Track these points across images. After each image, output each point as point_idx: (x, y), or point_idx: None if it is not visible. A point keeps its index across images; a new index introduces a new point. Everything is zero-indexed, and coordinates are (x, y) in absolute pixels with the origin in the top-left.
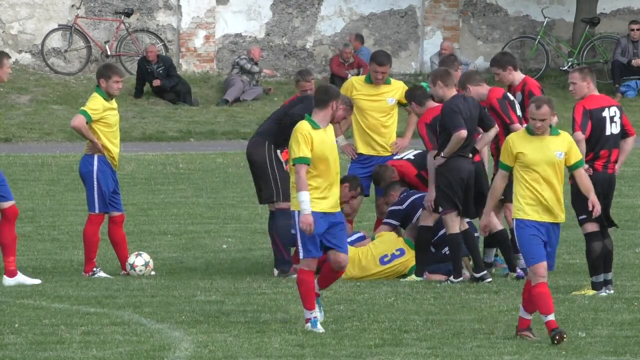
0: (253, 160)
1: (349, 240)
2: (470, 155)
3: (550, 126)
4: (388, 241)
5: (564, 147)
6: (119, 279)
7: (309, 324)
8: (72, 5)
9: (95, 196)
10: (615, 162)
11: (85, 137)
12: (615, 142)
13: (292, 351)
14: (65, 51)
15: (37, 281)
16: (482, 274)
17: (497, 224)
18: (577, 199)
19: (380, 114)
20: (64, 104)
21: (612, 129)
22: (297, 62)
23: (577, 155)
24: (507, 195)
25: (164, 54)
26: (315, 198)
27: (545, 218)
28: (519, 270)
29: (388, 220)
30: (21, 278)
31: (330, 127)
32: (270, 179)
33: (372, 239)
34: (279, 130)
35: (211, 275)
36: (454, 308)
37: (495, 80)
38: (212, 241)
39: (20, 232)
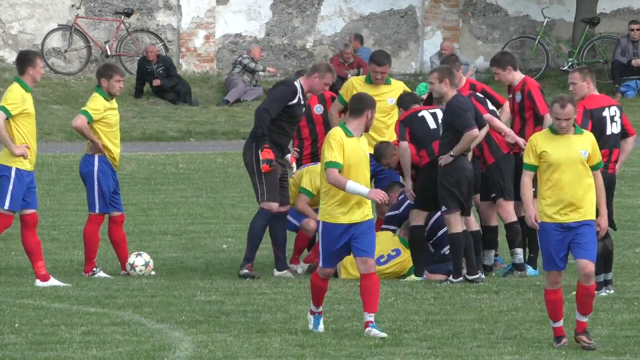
0: (244, 161)
1: None
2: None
3: (574, 125)
4: (384, 242)
5: (588, 146)
6: (119, 279)
7: (311, 317)
8: (72, 5)
9: (96, 196)
10: (616, 162)
11: (87, 137)
12: (616, 142)
13: (292, 351)
14: (65, 51)
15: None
16: (474, 277)
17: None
18: None
19: (381, 114)
20: (64, 104)
21: (613, 128)
22: (297, 62)
23: (599, 155)
24: (498, 192)
25: (164, 54)
26: (337, 210)
27: (568, 218)
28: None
29: (386, 227)
30: (54, 282)
31: (364, 138)
32: (256, 179)
33: None
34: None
35: (211, 275)
36: (454, 308)
37: (495, 80)
38: (212, 241)
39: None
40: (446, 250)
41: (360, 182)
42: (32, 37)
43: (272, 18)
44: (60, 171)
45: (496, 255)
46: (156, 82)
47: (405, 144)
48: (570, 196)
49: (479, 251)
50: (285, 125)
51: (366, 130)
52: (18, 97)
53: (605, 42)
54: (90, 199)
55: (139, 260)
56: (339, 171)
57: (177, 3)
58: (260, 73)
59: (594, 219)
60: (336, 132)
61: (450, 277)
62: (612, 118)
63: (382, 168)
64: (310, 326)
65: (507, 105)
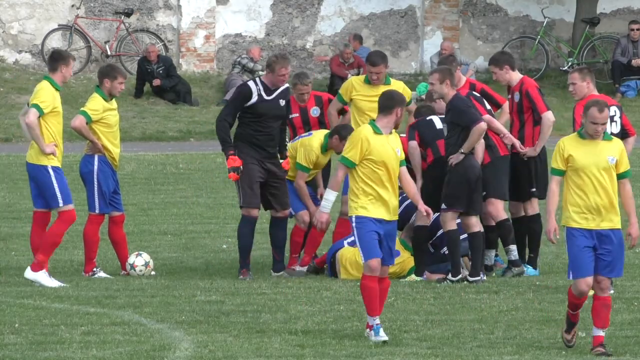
0: None
1: (348, 240)
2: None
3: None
4: None
5: (616, 152)
6: (119, 279)
7: (371, 332)
8: (72, 5)
9: (96, 196)
10: None
11: (86, 138)
12: None
13: (292, 351)
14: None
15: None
16: (476, 279)
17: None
18: None
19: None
20: (64, 104)
21: (612, 128)
22: (297, 62)
23: (627, 164)
24: (489, 190)
25: (164, 54)
26: (371, 204)
27: (594, 225)
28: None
29: None
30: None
31: (395, 135)
32: (236, 185)
33: None
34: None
35: (211, 275)
36: (454, 308)
37: (493, 80)
38: (212, 241)
39: (21, 232)
40: (446, 250)
41: (390, 180)
42: (32, 37)
43: (272, 18)
44: None
45: (496, 255)
46: (156, 82)
47: (414, 142)
48: (597, 202)
49: (482, 252)
50: (256, 125)
51: (395, 127)
52: (49, 96)
53: (605, 42)
54: (90, 199)
55: (139, 260)
56: (350, 170)
57: (177, 3)
58: (260, 73)
59: (620, 227)
60: (363, 129)
61: (449, 276)
62: (611, 118)
63: None
64: (373, 339)
65: (506, 106)
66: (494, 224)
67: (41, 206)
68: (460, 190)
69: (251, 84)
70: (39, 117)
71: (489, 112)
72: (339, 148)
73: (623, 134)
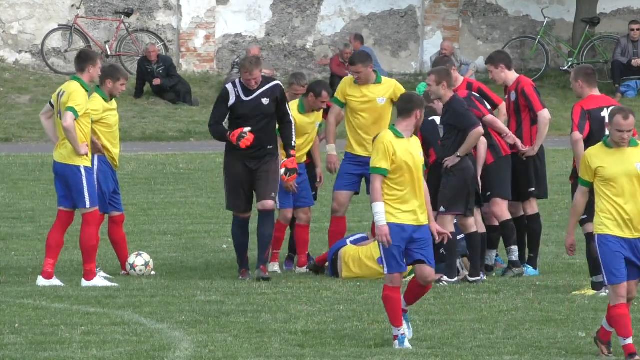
0: None
1: (351, 239)
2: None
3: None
4: None
5: None
6: (119, 279)
7: (396, 342)
8: (72, 5)
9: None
10: None
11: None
12: None
13: (292, 351)
14: (66, 51)
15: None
16: (476, 279)
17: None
18: None
19: (371, 114)
20: None
21: None
22: (297, 62)
23: None
24: (493, 190)
25: (164, 54)
26: (397, 209)
27: (629, 234)
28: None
29: None
30: (100, 281)
31: (416, 139)
32: (224, 187)
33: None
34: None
35: (211, 275)
36: (454, 308)
37: (489, 79)
38: (212, 241)
39: (20, 232)
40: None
41: (414, 184)
42: (32, 37)
43: (272, 18)
44: None
45: (496, 255)
46: (156, 81)
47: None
48: (628, 211)
49: (484, 252)
50: (238, 125)
51: (415, 131)
52: (83, 98)
53: (605, 42)
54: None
55: (139, 260)
56: (385, 177)
57: (177, 3)
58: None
59: None
60: (385, 134)
61: (445, 277)
62: None
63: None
64: (397, 346)
65: (503, 107)
66: (496, 223)
67: (67, 206)
68: (459, 194)
69: (229, 86)
70: (75, 119)
71: (490, 112)
72: (317, 105)
73: None
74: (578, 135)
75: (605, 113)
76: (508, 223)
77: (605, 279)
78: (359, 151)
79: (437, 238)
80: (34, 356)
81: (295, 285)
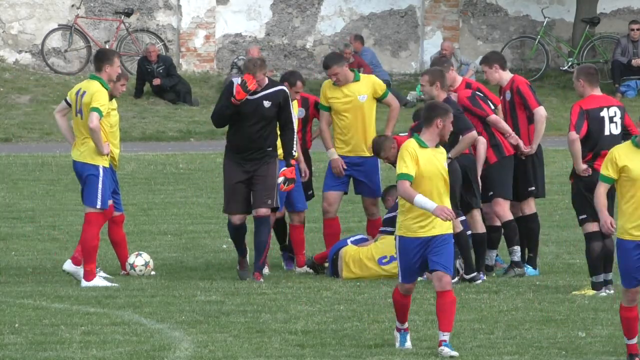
0: None
1: (352, 239)
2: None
3: None
4: (390, 244)
5: None
6: (119, 279)
7: (397, 334)
8: (72, 5)
9: None
10: None
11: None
12: (616, 142)
13: (292, 351)
14: (65, 51)
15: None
16: (472, 275)
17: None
18: (577, 199)
19: (355, 113)
20: None
21: (612, 129)
22: (297, 62)
23: None
24: (496, 190)
25: (164, 54)
26: (416, 223)
27: None
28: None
29: (385, 229)
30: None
31: (442, 149)
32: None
33: (376, 240)
34: None
35: (211, 275)
36: None
37: (484, 79)
38: (212, 241)
39: (20, 232)
40: None
41: (433, 195)
42: (32, 37)
43: (272, 18)
44: (60, 171)
45: (496, 255)
46: (156, 81)
47: None
48: None
49: (484, 252)
50: (237, 124)
51: (441, 139)
52: (106, 97)
53: (605, 42)
54: None
55: (139, 260)
56: (411, 183)
57: (177, 3)
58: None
59: None
60: (409, 143)
61: (463, 275)
62: (611, 118)
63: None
64: (397, 344)
65: (501, 107)
66: (498, 223)
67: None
68: (451, 196)
69: (236, 80)
70: (99, 119)
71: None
72: (291, 95)
73: (625, 135)
74: (574, 135)
75: (605, 113)
76: (510, 223)
77: (621, 280)
78: (346, 152)
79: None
80: (34, 356)
81: (295, 285)
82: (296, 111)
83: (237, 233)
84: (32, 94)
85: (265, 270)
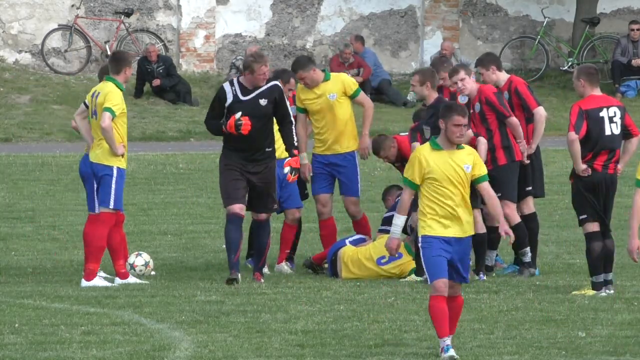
0: None
1: (350, 239)
2: None
3: None
4: None
5: None
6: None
7: (442, 353)
8: (72, 5)
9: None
10: (617, 162)
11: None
12: (616, 143)
13: (292, 351)
14: (65, 51)
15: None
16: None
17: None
18: (577, 199)
19: (327, 112)
20: (64, 104)
21: (612, 129)
22: None
23: None
24: (504, 193)
25: (164, 54)
26: (438, 223)
27: None
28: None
29: (383, 228)
30: (131, 279)
31: (466, 150)
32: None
33: (374, 240)
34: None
35: (211, 275)
36: None
37: (481, 81)
38: (212, 241)
39: (20, 232)
40: None
41: (454, 198)
42: (32, 37)
43: (272, 18)
44: (60, 171)
45: (496, 255)
46: (156, 83)
47: (416, 144)
48: None
49: (484, 253)
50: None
51: (449, 141)
52: (120, 98)
53: (605, 42)
54: (90, 199)
55: (139, 260)
56: (414, 190)
57: (177, 3)
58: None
59: None
60: (421, 149)
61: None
62: (611, 119)
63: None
64: (443, 355)
65: None
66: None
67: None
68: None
69: (226, 85)
70: (112, 119)
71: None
72: (285, 93)
73: (625, 135)
74: (573, 136)
75: (604, 113)
76: (520, 225)
77: None
78: (323, 150)
79: (506, 239)
80: (34, 356)
81: (295, 285)
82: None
83: (236, 227)
84: (32, 94)
85: (265, 270)
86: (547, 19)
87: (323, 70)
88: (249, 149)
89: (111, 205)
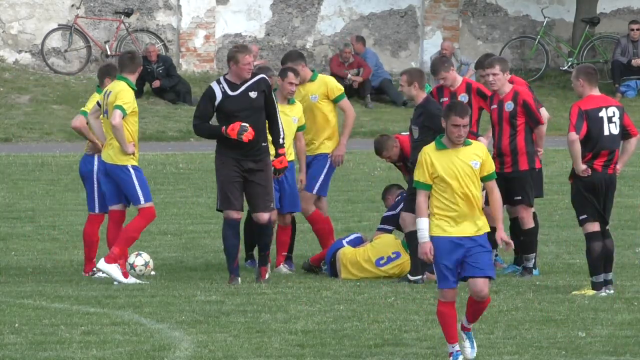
0: None
1: (346, 240)
2: None
3: None
4: (386, 244)
5: None
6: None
7: (450, 358)
8: (72, 5)
9: (95, 196)
10: (616, 162)
11: (86, 138)
12: (616, 143)
13: (292, 351)
14: (65, 51)
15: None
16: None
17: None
18: (577, 199)
19: (310, 113)
20: (64, 104)
21: (611, 129)
22: None
23: None
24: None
25: (163, 54)
26: (447, 223)
27: None
28: None
29: (382, 226)
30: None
31: (474, 146)
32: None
33: (370, 239)
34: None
35: (211, 275)
36: None
37: (482, 82)
38: (212, 241)
39: (20, 232)
40: None
41: (462, 196)
42: (32, 37)
43: (272, 18)
44: (60, 171)
45: (496, 255)
46: (156, 84)
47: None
48: None
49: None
50: (229, 123)
51: (450, 141)
52: (131, 97)
53: (605, 42)
54: (90, 199)
55: (139, 260)
56: (427, 190)
57: (177, 3)
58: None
59: None
60: (425, 149)
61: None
62: (610, 119)
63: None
64: None
65: None
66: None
67: (116, 203)
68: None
69: (213, 84)
70: (123, 117)
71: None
72: (287, 88)
73: (624, 135)
74: (574, 136)
75: (603, 113)
76: (533, 230)
77: None
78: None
79: (502, 247)
80: (34, 356)
81: (295, 285)
82: (295, 112)
83: (234, 232)
84: (32, 94)
85: (277, 269)
86: (547, 18)
87: (312, 70)
88: (245, 144)
89: (142, 201)
